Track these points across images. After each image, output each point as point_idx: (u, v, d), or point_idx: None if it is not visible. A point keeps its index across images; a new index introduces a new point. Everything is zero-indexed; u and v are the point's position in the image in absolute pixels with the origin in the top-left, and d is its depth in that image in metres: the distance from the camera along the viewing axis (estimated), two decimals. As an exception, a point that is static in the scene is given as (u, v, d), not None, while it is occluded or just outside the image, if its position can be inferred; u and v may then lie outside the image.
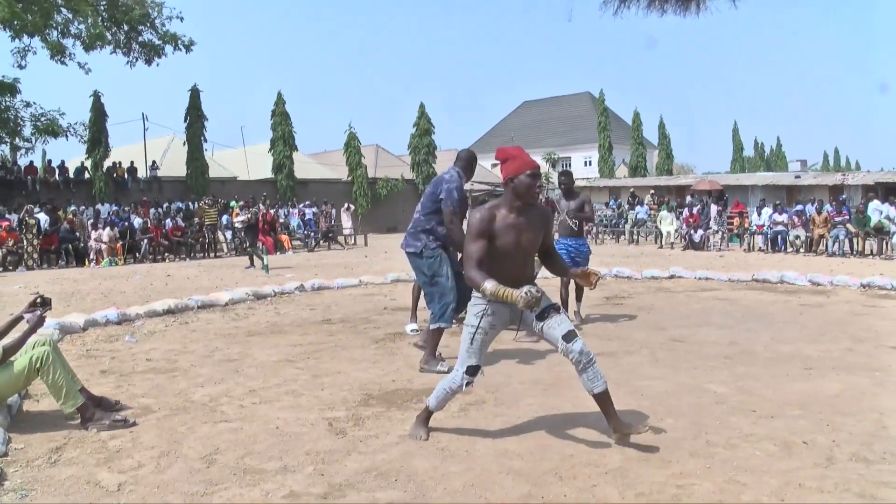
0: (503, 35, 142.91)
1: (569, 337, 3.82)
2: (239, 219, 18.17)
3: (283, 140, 31.35)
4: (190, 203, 25.03)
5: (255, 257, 16.62)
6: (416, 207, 6.29)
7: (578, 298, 8.50)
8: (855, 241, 18.69)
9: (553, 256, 4.19)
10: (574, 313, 8.40)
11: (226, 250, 22.16)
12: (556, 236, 7.72)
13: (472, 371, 3.96)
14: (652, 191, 29.77)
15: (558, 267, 4.19)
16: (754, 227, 21.41)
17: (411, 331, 7.64)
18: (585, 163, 60.09)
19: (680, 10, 6.35)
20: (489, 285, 3.72)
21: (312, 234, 24.95)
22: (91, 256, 18.87)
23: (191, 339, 7.58)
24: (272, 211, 24.66)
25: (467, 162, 6.27)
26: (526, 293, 3.62)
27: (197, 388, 5.48)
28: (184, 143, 29.19)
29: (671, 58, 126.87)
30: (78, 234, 19.78)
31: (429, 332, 6.09)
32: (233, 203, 25.21)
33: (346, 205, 27.94)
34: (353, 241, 26.58)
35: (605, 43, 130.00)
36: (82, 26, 24.07)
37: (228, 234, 22.59)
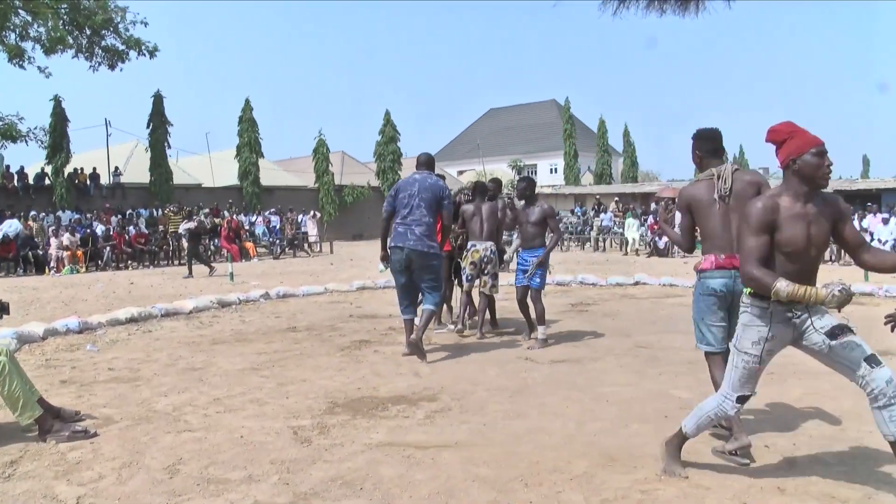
0: (469, 42, 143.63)
1: (873, 361, 3.13)
2: (184, 226, 17.97)
3: (250, 147, 31.23)
4: (154, 210, 24.70)
5: (205, 265, 16.52)
6: (410, 208, 6.69)
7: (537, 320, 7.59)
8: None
9: (867, 251, 3.34)
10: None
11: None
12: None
13: (744, 400, 3.44)
14: (616, 198, 30.10)
15: (879, 260, 3.30)
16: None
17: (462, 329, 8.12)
18: (551, 170, 60.52)
19: (679, 11, 6.40)
20: (782, 285, 3.14)
21: (278, 241, 24.78)
22: (51, 264, 18.52)
23: (154, 347, 7.48)
24: (237, 218, 24.59)
25: (433, 166, 7.06)
26: (840, 291, 3.04)
27: (160, 397, 5.40)
28: (147, 150, 28.83)
29: (636, 65, 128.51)
30: (38, 240, 19.41)
31: (426, 313, 6.70)
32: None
33: (311, 212, 27.79)
34: (318, 249, 26.44)
35: (571, 50, 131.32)
36: (42, 29, 23.64)
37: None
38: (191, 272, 16.50)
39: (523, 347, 7.20)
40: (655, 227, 22.44)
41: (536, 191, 7.59)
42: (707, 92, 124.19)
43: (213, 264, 16.92)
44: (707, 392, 5.15)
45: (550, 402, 5.11)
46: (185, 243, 18.80)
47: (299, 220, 26.68)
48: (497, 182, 8.44)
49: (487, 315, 8.24)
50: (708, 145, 4.21)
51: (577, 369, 6.18)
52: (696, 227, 4.21)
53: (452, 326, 8.32)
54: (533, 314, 7.38)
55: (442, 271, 7.15)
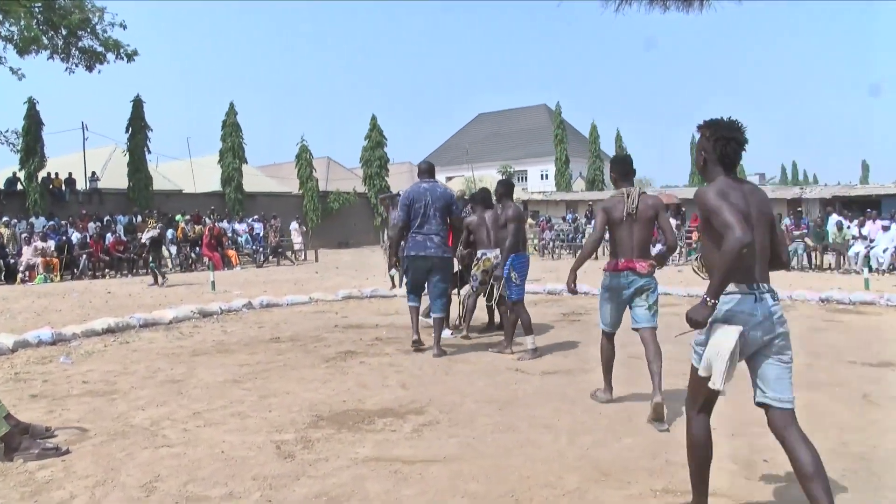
0: (458, 46, 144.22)
1: None
2: (147, 234, 17.88)
3: (233, 152, 31.23)
4: (133, 216, 24.54)
5: (158, 274, 16.43)
6: (426, 218, 7.27)
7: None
8: (813, 255, 19.11)
9: None
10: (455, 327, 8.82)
11: (171, 266, 21.78)
12: (497, 252, 7.76)
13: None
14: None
15: None
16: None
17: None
18: (542, 176, 60.65)
19: (683, 7, 6.42)
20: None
21: (261, 249, 24.71)
22: (23, 273, 18.36)
23: (132, 359, 7.41)
24: (219, 225, 24.48)
25: (434, 173, 7.64)
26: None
27: (137, 411, 5.35)
28: (125, 154, 28.66)
29: (629, 69, 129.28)
30: (9, 249, 19.24)
31: (437, 322, 7.43)
32: (178, 217, 24.79)
33: (296, 224, 27.54)
34: (303, 257, 26.40)
35: (562, 54, 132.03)
36: (14, 28, 23.49)
37: (174, 249, 22.26)
38: (156, 280, 16.41)
39: (513, 358, 7.19)
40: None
41: (514, 193, 7.75)
42: (702, 95, 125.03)
43: (163, 276, 16.67)
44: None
45: (541, 415, 5.10)
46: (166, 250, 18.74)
47: (290, 227, 26.65)
48: (508, 183, 8.43)
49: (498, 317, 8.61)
50: (621, 168, 5.40)
51: (568, 380, 6.18)
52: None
53: (449, 332, 8.48)
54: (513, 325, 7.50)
55: (451, 277, 7.70)
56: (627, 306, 5.36)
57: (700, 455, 3.31)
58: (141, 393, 5.93)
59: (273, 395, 5.77)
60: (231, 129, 31.45)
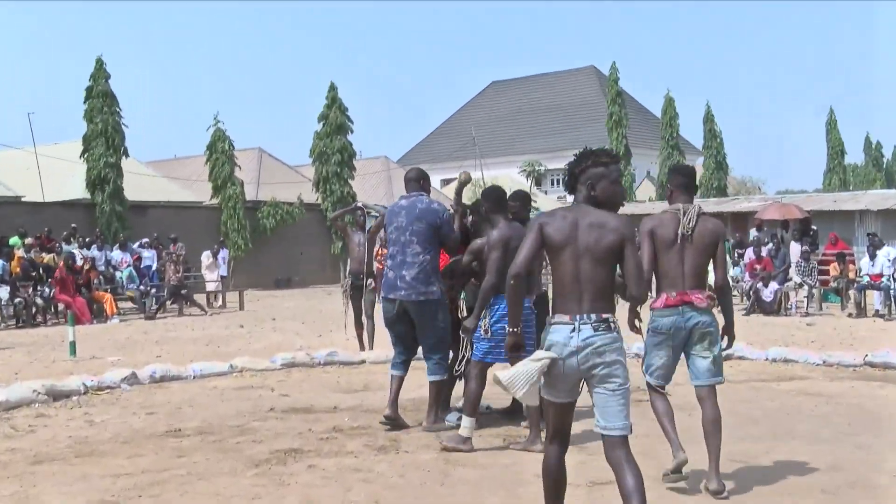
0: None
1: None
2: None
3: (106, 138, 30.27)
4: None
5: None
6: (399, 245, 8.02)
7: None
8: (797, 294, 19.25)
9: None
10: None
11: (1, 318, 21.44)
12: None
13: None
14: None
15: None
16: (865, 278, 21.43)
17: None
18: (588, 177, 61.00)
19: None
20: None
21: (153, 290, 24.56)
22: None
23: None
24: (86, 253, 24.25)
25: (427, 183, 8.43)
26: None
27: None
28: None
29: (728, 13, 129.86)
30: None
31: (432, 389, 8.08)
32: (14, 240, 24.14)
33: (212, 250, 27.34)
34: (220, 303, 26.38)
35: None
36: None
37: (4, 290, 21.63)
38: None
39: (440, 442, 7.55)
40: (757, 265, 22.22)
41: (526, 206, 8.55)
42: (846, 56, 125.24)
43: None
44: None
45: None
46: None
47: (201, 258, 26.47)
48: (523, 195, 8.75)
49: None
50: (681, 181, 6.43)
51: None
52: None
53: (454, 417, 8.38)
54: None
55: (447, 323, 8.25)
56: (682, 353, 6.35)
57: (551, 484, 4.91)
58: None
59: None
60: (101, 100, 30.24)
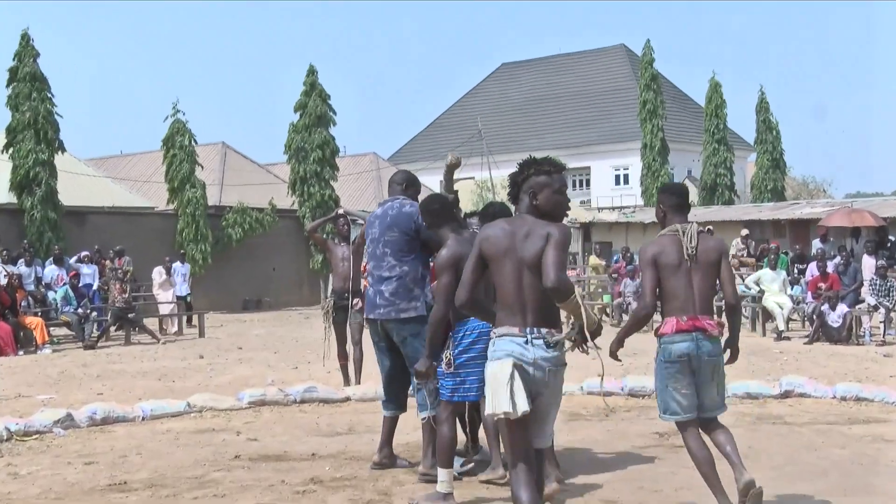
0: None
1: None
2: None
3: (35, 130, 30.42)
4: None
5: None
6: (375, 259, 8.42)
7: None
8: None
9: None
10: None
11: None
12: None
13: None
14: (745, 230, 30.08)
15: None
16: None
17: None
18: (617, 178, 61.08)
19: None
20: None
21: (94, 314, 24.60)
22: None
23: None
24: (11, 269, 24.33)
25: (411, 187, 8.75)
26: None
27: None
28: None
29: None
30: None
31: (425, 429, 8.12)
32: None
33: (162, 266, 27.42)
34: (176, 329, 26.38)
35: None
36: None
37: None
38: None
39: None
40: (821, 284, 22.17)
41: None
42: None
43: None
44: None
45: None
46: None
47: (153, 274, 26.53)
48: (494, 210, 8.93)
49: None
50: (674, 200, 7.18)
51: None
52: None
53: (458, 465, 8.42)
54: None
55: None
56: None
57: None
58: None
59: None
60: (29, 84, 30.46)
